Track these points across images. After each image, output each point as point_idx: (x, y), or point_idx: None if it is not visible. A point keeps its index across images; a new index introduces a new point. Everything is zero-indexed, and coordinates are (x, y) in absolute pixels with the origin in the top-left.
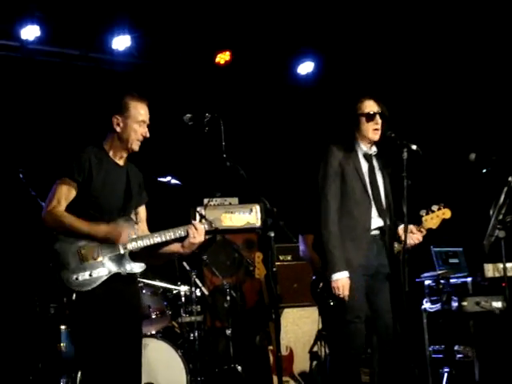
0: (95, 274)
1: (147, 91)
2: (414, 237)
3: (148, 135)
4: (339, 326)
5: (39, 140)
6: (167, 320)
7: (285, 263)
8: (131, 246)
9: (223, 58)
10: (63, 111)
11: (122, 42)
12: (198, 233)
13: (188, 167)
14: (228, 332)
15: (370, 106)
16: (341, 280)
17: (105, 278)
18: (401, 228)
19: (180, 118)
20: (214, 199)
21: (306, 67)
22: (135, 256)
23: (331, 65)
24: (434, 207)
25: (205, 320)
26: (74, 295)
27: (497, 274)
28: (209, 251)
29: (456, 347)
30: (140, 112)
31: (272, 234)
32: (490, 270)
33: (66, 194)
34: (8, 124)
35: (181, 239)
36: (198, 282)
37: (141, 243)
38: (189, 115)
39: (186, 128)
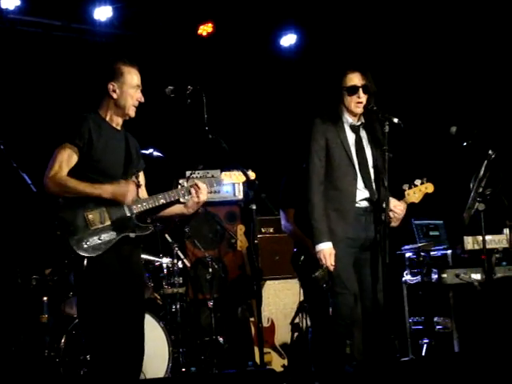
0: (104, 238)
1: None
2: (398, 209)
3: (143, 100)
4: (327, 296)
5: (20, 111)
6: (149, 292)
7: (267, 235)
8: (137, 207)
9: (206, 29)
10: (44, 82)
11: (103, 13)
12: (200, 191)
13: (170, 140)
14: (210, 304)
15: (353, 80)
16: (324, 250)
17: (114, 241)
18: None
19: (162, 90)
20: (196, 171)
21: (288, 39)
22: (141, 219)
23: (314, 37)
24: (417, 181)
25: (187, 292)
26: (85, 261)
27: (476, 247)
28: (191, 223)
29: (436, 319)
30: (134, 77)
31: (254, 207)
32: (469, 242)
33: (67, 159)
34: None
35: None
36: (180, 254)
37: (146, 205)
38: (171, 87)
39: (167, 100)
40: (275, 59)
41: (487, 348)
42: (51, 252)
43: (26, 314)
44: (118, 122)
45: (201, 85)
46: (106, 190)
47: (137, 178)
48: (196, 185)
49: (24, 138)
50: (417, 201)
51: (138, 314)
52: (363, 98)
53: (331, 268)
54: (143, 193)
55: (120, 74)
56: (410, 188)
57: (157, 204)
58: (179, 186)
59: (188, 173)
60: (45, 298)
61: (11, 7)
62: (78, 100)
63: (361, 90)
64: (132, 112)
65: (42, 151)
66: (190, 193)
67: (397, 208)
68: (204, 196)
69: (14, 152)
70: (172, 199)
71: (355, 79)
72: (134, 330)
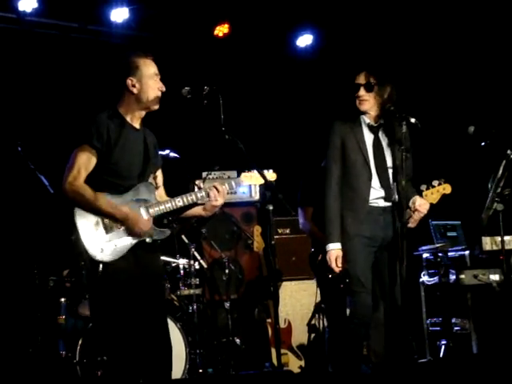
0: (120, 243)
1: None
2: (423, 208)
3: (164, 89)
4: (343, 296)
5: (37, 113)
6: (166, 293)
7: (283, 236)
8: (154, 211)
9: (222, 30)
10: (61, 84)
11: (120, 15)
12: (219, 194)
13: (186, 140)
14: (227, 305)
15: (358, 79)
16: (331, 251)
17: (130, 246)
18: (412, 200)
19: (178, 91)
20: (213, 172)
21: (305, 40)
22: (158, 222)
23: (330, 37)
24: (435, 182)
25: (203, 293)
26: (101, 266)
27: (494, 247)
28: (208, 224)
29: (453, 320)
30: (150, 67)
31: (271, 208)
32: (487, 243)
33: (85, 162)
34: (6, 97)
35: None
36: (196, 255)
37: (163, 208)
38: (187, 88)
39: (184, 101)
40: (291, 60)
41: (506, 349)
42: (68, 253)
43: (43, 315)
44: (138, 118)
45: (217, 85)
46: (120, 213)
47: (155, 179)
48: (215, 187)
49: (41, 139)
50: (434, 201)
51: (159, 316)
52: (363, 95)
53: (336, 270)
54: (161, 193)
55: (136, 68)
56: (427, 189)
57: (175, 207)
58: (196, 188)
59: (204, 174)
60: (62, 299)
61: (28, 9)
62: (95, 101)
63: (362, 87)
64: (156, 105)
65: (59, 153)
66: (208, 195)
67: (422, 207)
68: (222, 199)
69: (31, 154)
70: (190, 202)
71: (360, 78)
72: (157, 331)
